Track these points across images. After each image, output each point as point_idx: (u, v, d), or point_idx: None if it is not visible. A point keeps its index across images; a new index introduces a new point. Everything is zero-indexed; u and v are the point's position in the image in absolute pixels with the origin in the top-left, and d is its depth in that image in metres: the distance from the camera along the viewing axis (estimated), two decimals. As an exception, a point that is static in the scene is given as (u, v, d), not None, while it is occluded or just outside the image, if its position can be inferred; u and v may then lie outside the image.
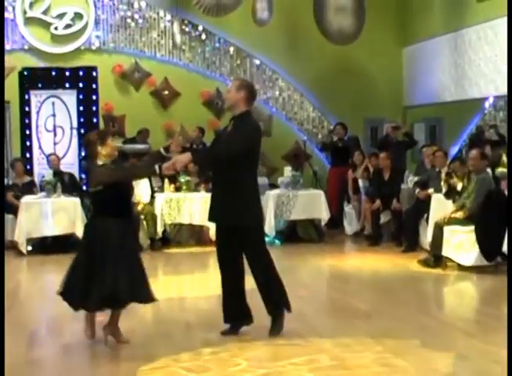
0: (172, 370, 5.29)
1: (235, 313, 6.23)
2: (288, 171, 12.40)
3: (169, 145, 6.20)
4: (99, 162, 5.99)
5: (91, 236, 5.94)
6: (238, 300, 6.23)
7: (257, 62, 14.67)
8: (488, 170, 9.81)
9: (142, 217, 11.43)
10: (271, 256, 6.26)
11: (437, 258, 9.21)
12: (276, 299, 6.26)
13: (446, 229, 9.11)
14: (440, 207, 9.81)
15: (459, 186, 9.57)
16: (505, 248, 8.41)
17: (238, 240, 6.16)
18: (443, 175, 10.14)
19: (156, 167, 6.12)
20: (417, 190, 10.79)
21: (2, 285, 7.17)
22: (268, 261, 6.27)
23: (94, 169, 6.05)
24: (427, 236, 10.03)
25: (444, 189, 9.86)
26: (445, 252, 9.10)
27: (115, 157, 6.11)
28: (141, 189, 11.54)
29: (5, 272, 7.64)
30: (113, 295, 5.71)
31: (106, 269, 5.72)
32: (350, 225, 12.55)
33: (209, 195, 10.60)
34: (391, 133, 13.15)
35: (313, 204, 11.94)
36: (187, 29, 14.25)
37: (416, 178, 11.33)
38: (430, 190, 10.49)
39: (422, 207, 10.47)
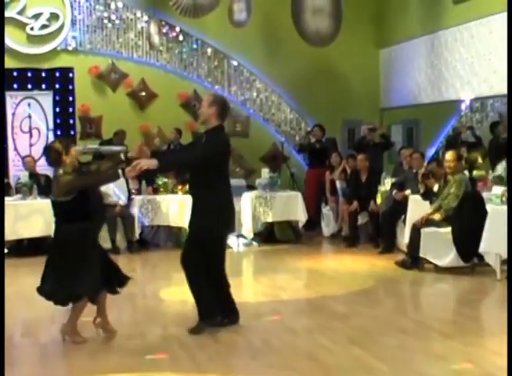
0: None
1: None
2: (265, 172, 12.40)
3: (131, 156, 6.32)
4: (62, 171, 6.16)
5: (62, 243, 6.17)
6: None
7: (235, 63, 14.66)
8: (465, 171, 9.86)
9: (120, 219, 11.39)
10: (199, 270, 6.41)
11: (414, 260, 9.24)
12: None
13: (423, 231, 9.14)
14: (417, 208, 9.84)
15: (436, 187, 9.62)
16: (481, 249, 8.45)
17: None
18: (420, 177, 10.19)
19: (120, 170, 6.21)
20: (394, 191, 10.83)
21: (2, 285, 7.10)
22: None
23: (60, 178, 6.18)
24: (404, 238, 10.05)
25: (421, 190, 9.91)
26: (422, 253, 9.13)
27: (76, 165, 6.30)
28: (118, 191, 11.49)
29: (4, 272, 7.56)
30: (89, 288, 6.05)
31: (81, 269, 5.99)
32: (327, 227, 12.56)
33: (186, 197, 10.67)
34: (368, 135, 13.19)
35: (290, 206, 11.95)
36: (164, 30, 14.21)
37: (393, 180, 11.37)
38: (407, 192, 10.53)
39: (399, 208, 10.50)
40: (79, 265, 6.02)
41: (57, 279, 6.07)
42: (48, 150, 6.27)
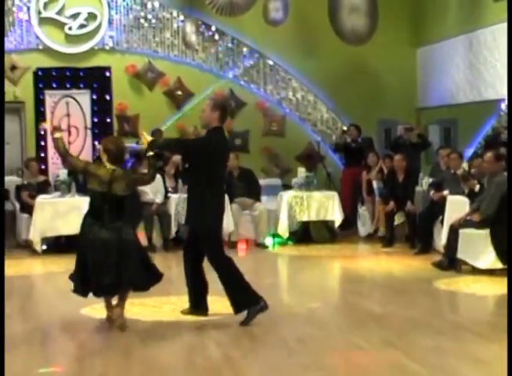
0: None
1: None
2: (302, 172, 12.38)
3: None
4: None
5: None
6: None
7: (271, 62, 14.65)
8: (505, 172, 9.74)
9: (156, 217, 11.45)
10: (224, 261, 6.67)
11: (451, 261, 9.16)
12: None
13: (461, 232, 9.05)
14: (455, 209, 9.75)
15: (477, 188, 9.52)
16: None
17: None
18: (460, 178, 10.10)
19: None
20: (432, 192, 10.74)
21: (2, 285, 7.18)
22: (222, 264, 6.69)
23: (132, 175, 6.87)
24: (441, 239, 9.97)
25: (466, 191, 9.82)
26: (459, 255, 9.04)
27: None
28: (155, 190, 11.55)
29: (4, 272, 7.66)
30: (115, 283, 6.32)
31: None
32: (363, 227, 12.51)
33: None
34: (404, 134, 13.09)
35: (327, 206, 11.93)
36: (200, 29, 14.24)
37: (430, 180, 11.28)
38: (445, 192, 10.44)
39: (436, 209, 10.41)
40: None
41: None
42: (126, 150, 6.70)
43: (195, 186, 6.77)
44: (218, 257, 6.70)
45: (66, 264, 10.15)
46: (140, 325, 6.67)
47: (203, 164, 6.62)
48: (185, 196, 11.30)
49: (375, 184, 12.33)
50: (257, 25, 13.90)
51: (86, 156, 13.63)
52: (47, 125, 7.70)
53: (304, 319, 6.86)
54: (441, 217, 10.20)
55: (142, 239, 11.10)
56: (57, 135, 6.78)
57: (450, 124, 14.40)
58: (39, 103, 13.74)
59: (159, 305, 7.43)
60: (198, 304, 6.89)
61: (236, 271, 6.68)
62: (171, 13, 14.25)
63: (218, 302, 6.92)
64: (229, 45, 14.52)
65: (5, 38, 13.64)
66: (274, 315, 6.99)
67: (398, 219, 11.49)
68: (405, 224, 11.50)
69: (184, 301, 7.02)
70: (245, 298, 6.61)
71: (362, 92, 14.51)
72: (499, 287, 8.35)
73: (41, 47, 13.85)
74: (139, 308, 7.22)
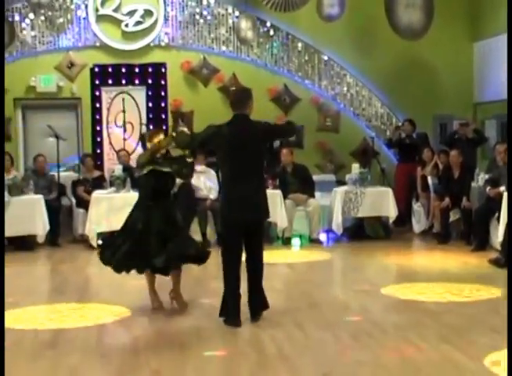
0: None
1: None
2: (356, 167, 12.32)
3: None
4: None
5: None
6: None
7: (325, 58, 14.61)
8: None
9: (210, 213, 11.52)
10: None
11: (508, 258, 9.03)
12: None
13: (518, 229, 8.93)
14: None
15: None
16: None
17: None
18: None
19: None
20: (488, 188, 10.60)
21: (2, 285, 7.28)
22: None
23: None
24: (497, 236, 9.84)
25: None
26: (516, 252, 8.91)
27: None
28: (208, 186, 11.63)
29: (4, 272, 7.76)
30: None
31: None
32: (418, 223, 12.40)
33: (276, 192, 10.75)
34: (460, 130, 12.93)
35: (381, 202, 11.87)
36: (255, 25, 14.25)
37: (487, 176, 11.13)
38: (502, 188, 10.28)
39: (493, 205, 10.27)
40: None
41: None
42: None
43: (255, 176, 6.68)
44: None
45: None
46: (194, 320, 6.73)
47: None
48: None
49: (430, 180, 12.22)
50: (312, 20, 13.87)
51: (140, 151, 13.78)
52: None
53: (359, 315, 6.83)
54: (497, 213, 10.06)
55: (197, 235, 11.23)
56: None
57: (507, 118, 14.16)
58: (95, 100, 13.94)
59: (210, 299, 7.49)
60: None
61: None
62: (226, 9, 14.30)
63: (272, 299, 6.93)
64: (284, 40, 14.51)
65: (64, 36, 13.88)
66: (328, 311, 7.00)
67: (454, 216, 11.38)
68: (461, 220, 11.37)
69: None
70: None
71: (417, 87, 14.38)
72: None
73: (98, 44, 14.03)
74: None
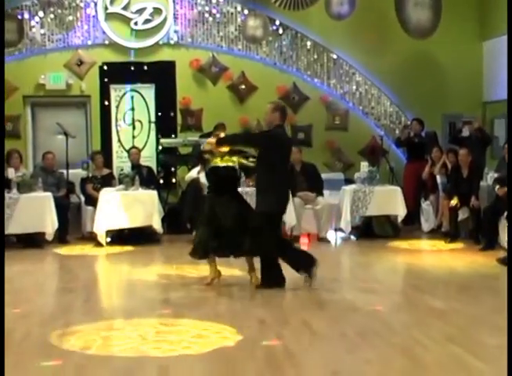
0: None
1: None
2: (364, 166, 12.31)
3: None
4: None
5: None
6: None
7: (334, 56, 14.59)
8: None
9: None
10: None
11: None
12: None
13: (526, 228, 8.90)
14: (520, 204, 9.57)
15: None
16: None
17: None
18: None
19: None
20: (497, 187, 10.57)
21: (2, 285, 7.29)
22: None
23: None
24: (506, 235, 9.81)
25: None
26: (525, 251, 8.89)
27: None
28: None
29: (4, 272, 7.78)
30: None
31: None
32: (427, 222, 12.38)
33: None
34: (463, 127, 12.91)
35: (389, 200, 11.85)
36: (264, 23, 14.24)
37: (496, 175, 11.10)
38: (511, 187, 10.26)
39: (501, 204, 10.24)
40: None
41: None
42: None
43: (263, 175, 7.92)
44: None
45: (128, 256, 10.38)
46: (200, 315, 6.73)
47: (268, 155, 7.76)
48: (248, 189, 11.51)
49: (438, 179, 12.19)
50: (321, 19, 13.86)
51: (150, 149, 13.83)
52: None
53: (366, 314, 6.83)
54: (506, 213, 10.03)
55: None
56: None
57: (517, 118, 14.12)
58: (104, 97, 13.96)
59: (217, 296, 7.49)
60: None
61: None
62: (235, 8, 14.30)
63: (280, 297, 6.94)
64: (293, 39, 14.50)
65: (73, 34, 13.91)
66: (335, 309, 7.00)
67: (463, 215, 11.35)
68: (470, 219, 11.35)
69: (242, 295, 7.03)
70: None
71: (426, 85, 14.35)
72: None
73: (107, 42, 14.06)
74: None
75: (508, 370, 4.48)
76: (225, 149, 8.15)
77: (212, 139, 8.21)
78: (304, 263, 7.89)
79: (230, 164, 8.22)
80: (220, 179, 8.19)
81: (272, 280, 7.81)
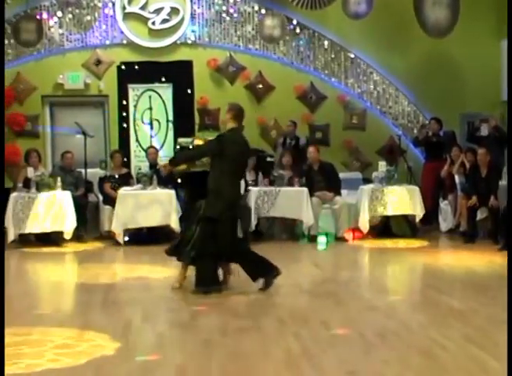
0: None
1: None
2: (382, 165, 12.27)
3: None
4: None
5: None
6: None
7: (352, 55, 14.57)
8: None
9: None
10: None
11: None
12: None
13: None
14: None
15: None
16: None
17: None
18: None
19: None
20: (516, 187, 10.52)
21: (2, 285, 7.31)
22: None
23: None
24: (525, 234, 9.76)
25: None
26: (544, 251, 8.85)
27: None
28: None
29: (4, 270, 7.80)
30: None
31: None
32: (445, 222, 12.34)
33: (302, 189, 10.78)
34: (480, 126, 12.85)
35: (407, 200, 11.81)
36: (281, 22, 14.24)
37: (514, 175, 11.04)
38: (530, 187, 10.22)
39: (520, 204, 10.19)
40: None
41: None
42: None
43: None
44: None
45: (146, 255, 10.41)
46: (219, 316, 6.74)
47: (217, 160, 7.65)
48: (265, 189, 11.52)
49: (457, 178, 12.15)
50: (338, 18, 13.84)
51: (168, 149, 13.86)
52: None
53: (384, 314, 6.81)
54: (525, 213, 9.99)
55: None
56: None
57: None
58: (122, 97, 14.01)
59: (235, 296, 7.50)
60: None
61: None
62: (253, 7, 14.31)
63: (297, 296, 6.93)
64: (310, 38, 14.49)
65: (91, 33, 13.97)
66: (353, 309, 6.99)
67: (481, 214, 11.30)
68: (488, 219, 11.30)
69: (274, 294, 7.04)
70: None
71: (444, 84, 14.29)
72: None
73: (124, 42, 14.10)
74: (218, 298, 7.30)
75: (508, 370, 4.45)
76: (184, 166, 8.14)
77: (164, 163, 8.40)
78: (263, 271, 7.70)
79: (199, 169, 8.05)
80: (193, 186, 8.13)
81: (208, 281, 7.63)
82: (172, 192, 11.55)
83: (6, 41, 13.73)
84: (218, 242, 7.54)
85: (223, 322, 6.51)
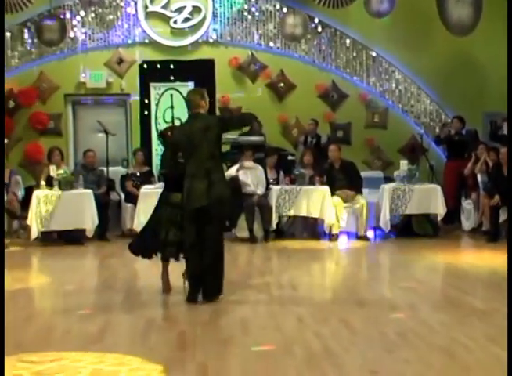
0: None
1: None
2: (404, 164, 12.23)
3: None
4: None
5: None
6: None
7: (374, 54, 14.53)
8: None
9: (257, 209, 11.53)
10: None
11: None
12: None
13: None
14: None
15: None
16: None
17: None
18: None
19: None
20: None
21: (2, 285, 7.33)
22: None
23: None
24: (548, 234, 9.69)
25: None
26: None
27: None
28: (256, 182, 11.64)
29: (4, 271, 7.82)
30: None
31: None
32: (467, 221, 12.27)
33: (324, 188, 10.73)
34: (502, 124, 12.77)
35: (429, 199, 11.76)
36: (303, 21, 14.22)
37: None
38: (553, 186, 10.13)
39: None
40: None
41: None
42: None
43: None
44: None
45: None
46: (239, 314, 6.75)
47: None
48: (287, 188, 11.51)
49: (479, 177, 12.07)
50: (360, 17, 13.80)
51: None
52: None
53: (405, 313, 6.79)
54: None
55: (244, 230, 11.26)
56: None
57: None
58: (144, 95, 14.05)
59: (256, 294, 7.50)
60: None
61: None
62: (274, 6, 14.31)
63: (318, 295, 6.92)
64: (332, 36, 14.47)
65: (113, 32, 14.03)
66: (375, 309, 6.96)
67: (504, 214, 11.22)
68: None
69: (281, 294, 7.01)
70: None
71: (466, 83, 14.23)
72: None
73: (146, 40, 14.16)
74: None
75: (508, 370, 4.42)
76: None
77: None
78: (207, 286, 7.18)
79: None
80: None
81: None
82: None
83: (29, 41, 13.83)
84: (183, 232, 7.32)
85: (243, 320, 6.51)
